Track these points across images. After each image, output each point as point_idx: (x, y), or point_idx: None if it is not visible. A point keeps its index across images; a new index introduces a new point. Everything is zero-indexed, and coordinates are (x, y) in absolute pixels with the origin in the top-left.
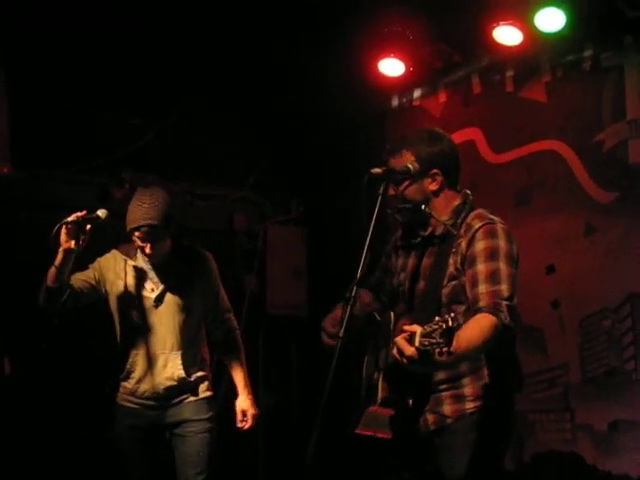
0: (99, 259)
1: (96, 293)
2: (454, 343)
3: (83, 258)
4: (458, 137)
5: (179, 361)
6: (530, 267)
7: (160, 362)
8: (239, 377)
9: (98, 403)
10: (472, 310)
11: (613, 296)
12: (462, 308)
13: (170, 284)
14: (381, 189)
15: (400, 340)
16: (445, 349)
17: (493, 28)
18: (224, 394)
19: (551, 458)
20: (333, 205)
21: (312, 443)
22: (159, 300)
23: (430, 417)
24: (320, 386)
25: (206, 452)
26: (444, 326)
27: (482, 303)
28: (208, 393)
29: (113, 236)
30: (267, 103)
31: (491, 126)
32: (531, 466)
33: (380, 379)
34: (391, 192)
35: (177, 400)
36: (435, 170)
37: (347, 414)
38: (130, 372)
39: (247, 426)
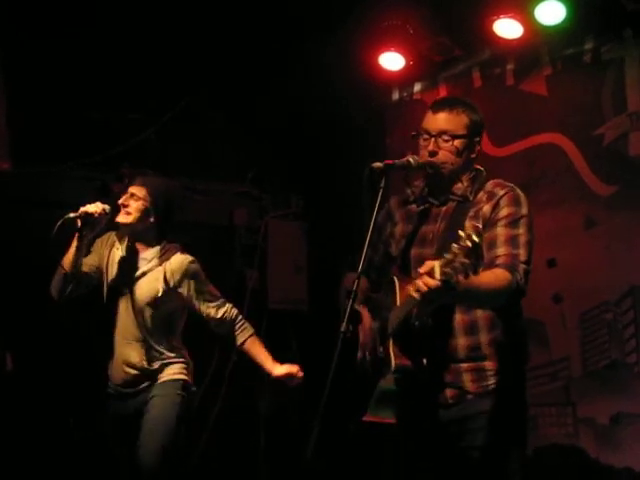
0: (96, 240)
1: (99, 274)
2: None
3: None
4: None
5: (142, 350)
6: None
7: (124, 349)
8: (263, 355)
9: (98, 399)
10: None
11: (614, 289)
12: None
13: (140, 275)
14: (382, 183)
15: (420, 280)
16: (472, 270)
17: (493, 21)
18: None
19: (553, 452)
20: (333, 199)
21: (313, 438)
22: (125, 285)
23: (449, 392)
24: (321, 381)
25: (165, 429)
26: (469, 244)
27: (500, 261)
28: (177, 376)
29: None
30: (266, 98)
31: (491, 119)
32: (533, 460)
33: (390, 345)
34: (431, 147)
35: (144, 386)
36: (478, 138)
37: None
38: (109, 358)
39: (298, 381)
